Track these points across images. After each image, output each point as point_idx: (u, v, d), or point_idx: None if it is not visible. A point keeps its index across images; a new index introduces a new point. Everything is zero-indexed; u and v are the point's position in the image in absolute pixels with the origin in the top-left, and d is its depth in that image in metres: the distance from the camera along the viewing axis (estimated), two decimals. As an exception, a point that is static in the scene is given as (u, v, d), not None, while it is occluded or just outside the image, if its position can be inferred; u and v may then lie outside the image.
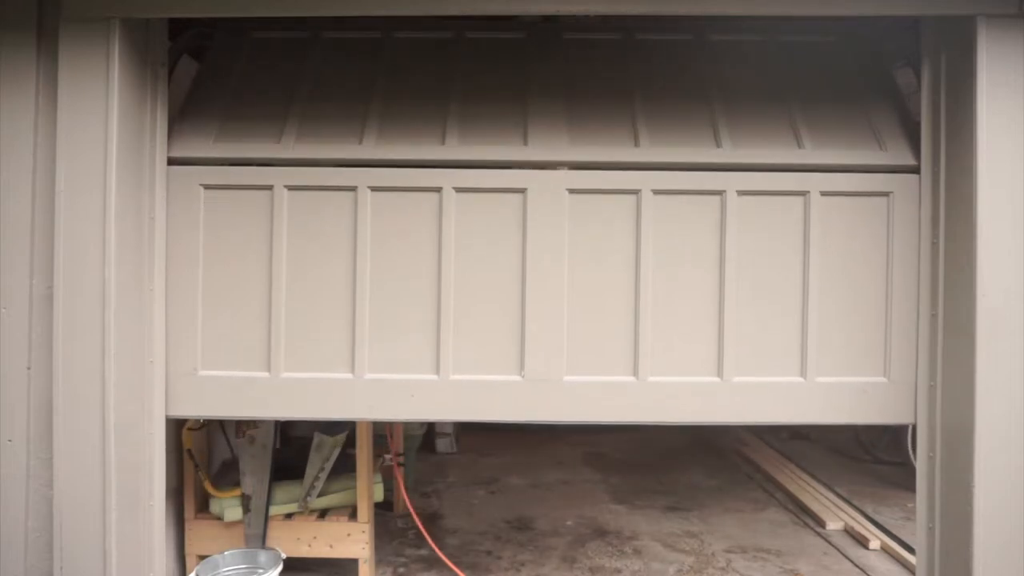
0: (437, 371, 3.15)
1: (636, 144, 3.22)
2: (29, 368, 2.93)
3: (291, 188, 3.20)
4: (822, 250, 3.19)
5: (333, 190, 3.21)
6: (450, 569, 3.97)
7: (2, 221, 2.93)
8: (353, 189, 3.20)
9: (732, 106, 3.32)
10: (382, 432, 3.82)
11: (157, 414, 3.17)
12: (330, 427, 3.72)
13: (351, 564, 3.93)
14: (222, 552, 3.55)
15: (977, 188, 2.85)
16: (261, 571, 3.45)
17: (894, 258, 3.18)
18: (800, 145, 3.22)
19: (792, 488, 5.47)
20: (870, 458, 6.30)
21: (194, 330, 3.18)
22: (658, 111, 3.32)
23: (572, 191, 3.19)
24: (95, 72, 2.87)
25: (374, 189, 3.19)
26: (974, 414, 2.83)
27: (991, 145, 2.85)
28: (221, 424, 3.83)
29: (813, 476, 5.79)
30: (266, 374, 3.17)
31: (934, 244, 3.11)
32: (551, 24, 3.63)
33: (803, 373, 3.18)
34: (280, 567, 3.43)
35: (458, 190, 3.19)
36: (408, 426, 5.42)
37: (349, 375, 3.15)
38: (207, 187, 3.21)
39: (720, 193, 3.19)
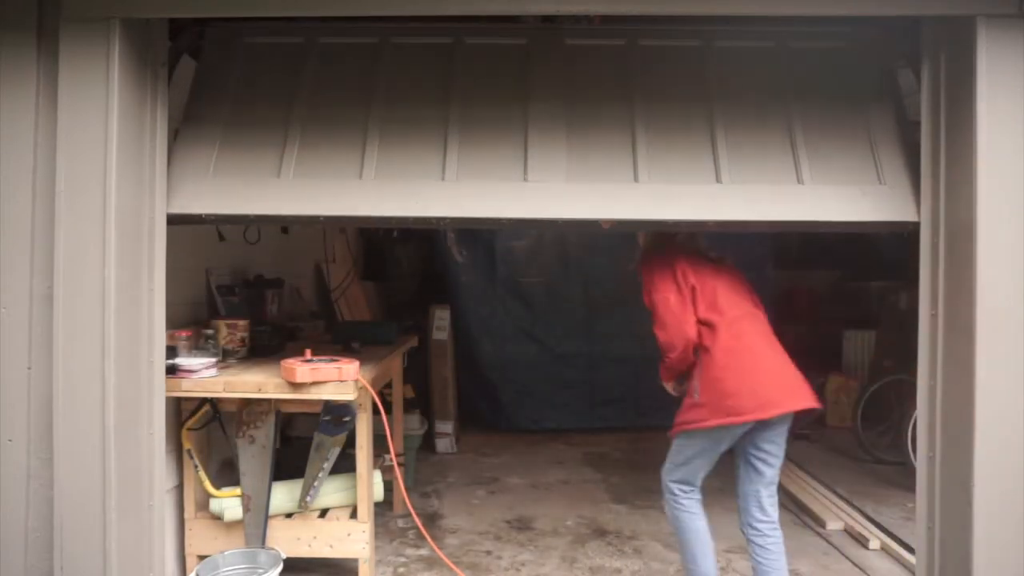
0: (443, 176, 3.29)
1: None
2: (29, 368, 2.93)
3: (322, 42, 3.53)
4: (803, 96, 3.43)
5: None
6: (450, 569, 3.97)
7: (2, 221, 2.93)
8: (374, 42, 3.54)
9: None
10: (382, 432, 3.82)
11: (156, 415, 3.18)
12: (330, 427, 3.72)
13: (351, 564, 3.93)
14: (222, 552, 3.55)
15: (977, 188, 2.85)
16: (261, 571, 3.45)
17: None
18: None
19: (792, 488, 5.46)
20: (870, 458, 6.29)
21: (211, 149, 3.37)
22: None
23: (568, 44, 3.52)
24: (95, 72, 2.87)
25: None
26: (973, 413, 2.84)
27: (991, 145, 2.86)
28: (221, 424, 3.83)
29: (813, 476, 5.78)
30: (276, 179, 3.29)
31: (934, 245, 3.11)
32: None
33: (800, 180, 3.28)
34: (280, 567, 3.42)
35: (468, 43, 3.52)
36: (408, 426, 5.43)
37: (357, 179, 3.29)
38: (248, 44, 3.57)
39: (701, 49, 3.50)
